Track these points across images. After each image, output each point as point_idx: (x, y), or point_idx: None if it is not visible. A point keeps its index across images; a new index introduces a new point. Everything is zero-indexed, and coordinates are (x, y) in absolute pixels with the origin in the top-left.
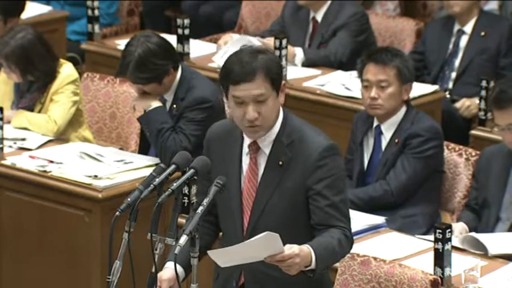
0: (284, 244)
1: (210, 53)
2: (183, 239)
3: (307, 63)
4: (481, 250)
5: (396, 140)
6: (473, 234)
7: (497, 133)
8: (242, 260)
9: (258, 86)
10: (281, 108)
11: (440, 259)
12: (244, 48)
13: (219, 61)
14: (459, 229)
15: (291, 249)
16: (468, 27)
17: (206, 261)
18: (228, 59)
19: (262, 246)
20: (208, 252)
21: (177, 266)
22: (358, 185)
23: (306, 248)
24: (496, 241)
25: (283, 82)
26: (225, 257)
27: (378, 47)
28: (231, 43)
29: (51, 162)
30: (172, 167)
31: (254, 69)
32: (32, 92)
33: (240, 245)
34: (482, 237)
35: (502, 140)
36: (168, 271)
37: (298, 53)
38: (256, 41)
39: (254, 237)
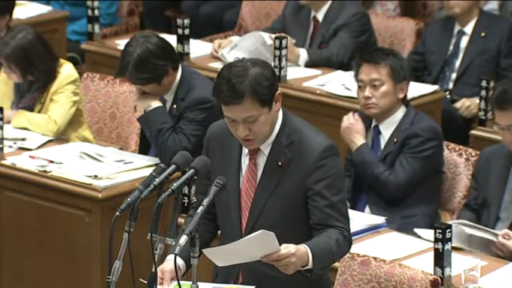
0: (282, 244)
1: (210, 53)
2: (183, 239)
3: (309, 64)
4: (466, 244)
5: (395, 140)
6: (459, 225)
7: (497, 132)
8: (238, 259)
9: (246, 109)
10: (280, 109)
11: (440, 259)
12: (237, 62)
13: (226, 55)
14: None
15: (287, 248)
16: (468, 28)
17: (206, 260)
18: (220, 75)
19: (257, 245)
20: (204, 250)
21: (179, 259)
22: (358, 185)
23: (303, 248)
24: (474, 227)
25: (278, 92)
26: (220, 255)
27: (379, 47)
28: (242, 37)
29: (51, 162)
30: (172, 167)
31: (241, 92)
32: (32, 92)
33: (235, 244)
34: (461, 224)
35: (502, 139)
36: (170, 263)
37: (302, 54)
38: (267, 37)
39: (249, 236)
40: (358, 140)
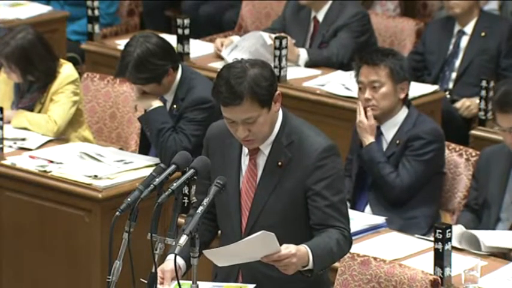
0: (283, 244)
1: (210, 53)
2: (183, 239)
3: (309, 64)
4: (478, 248)
5: (397, 141)
6: (469, 230)
7: (497, 132)
8: (239, 259)
9: (246, 110)
10: (280, 109)
11: (440, 259)
12: (236, 62)
13: (227, 56)
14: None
15: (287, 249)
16: (468, 28)
17: (206, 260)
18: (219, 76)
19: (258, 245)
20: (204, 252)
21: (179, 258)
22: (358, 185)
23: (303, 248)
24: (491, 235)
25: (277, 92)
26: (221, 256)
27: (378, 47)
28: (242, 38)
29: (51, 162)
30: (172, 167)
31: (240, 93)
32: (32, 92)
33: (236, 244)
34: (477, 232)
35: (503, 140)
36: (171, 263)
37: (302, 54)
38: (267, 37)
39: (249, 237)
40: (367, 138)
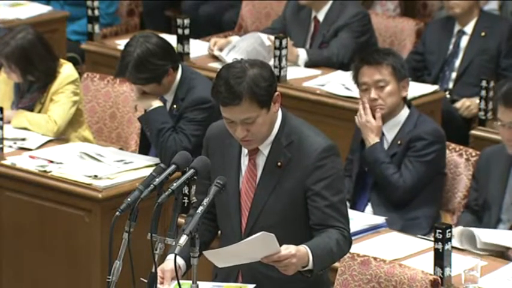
0: (282, 244)
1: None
2: (183, 239)
3: (309, 64)
4: (477, 248)
5: (399, 142)
6: (467, 228)
7: (496, 127)
8: (239, 260)
9: (245, 110)
10: (280, 109)
11: (440, 259)
12: (235, 62)
13: (225, 57)
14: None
15: (287, 249)
16: (468, 28)
17: (205, 260)
18: (218, 76)
19: (258, 246)
20: (204, 252)
21: (179, 258)
22: (358, 185)
23: (303, 249)
24: (488, 232)
25: (276, 93)
26: (221, 257)
27: (377, 47)
28: (241, 38)
29: (51, 162)
30: (172, 167)
31: (239, 93)
32: (32, 92)
33: (236, 245)
34: (474, 229)
35: (501, 136)
36: (171, 262)
37: (302, 54)
38: (265, 38)
39: (249, 237)
40: (372, 138)
